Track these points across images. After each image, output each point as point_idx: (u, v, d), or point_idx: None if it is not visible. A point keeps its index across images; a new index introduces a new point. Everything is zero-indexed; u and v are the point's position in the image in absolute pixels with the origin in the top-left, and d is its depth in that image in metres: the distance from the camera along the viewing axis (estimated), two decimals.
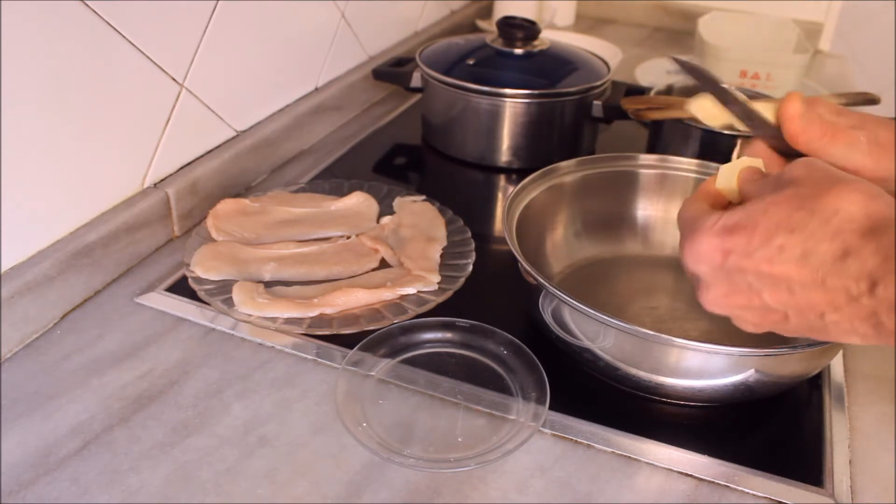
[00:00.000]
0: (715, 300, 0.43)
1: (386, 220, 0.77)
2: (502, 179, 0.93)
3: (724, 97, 0.53)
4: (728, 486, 0.52)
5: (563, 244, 0.73)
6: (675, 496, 0.51)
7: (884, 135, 0.46)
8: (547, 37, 0.98)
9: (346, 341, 0.62)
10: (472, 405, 0.57)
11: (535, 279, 0.57)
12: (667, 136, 0.87)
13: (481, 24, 1.42)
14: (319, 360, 0.61)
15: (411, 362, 0.61)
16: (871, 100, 0.73)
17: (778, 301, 0.40)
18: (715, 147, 0.84)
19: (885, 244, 0.36)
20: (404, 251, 0.71)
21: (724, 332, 0.65)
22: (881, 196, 0.38)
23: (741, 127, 0.52)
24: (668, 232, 0.75)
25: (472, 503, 0.50)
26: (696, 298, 0.44)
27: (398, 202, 0.80)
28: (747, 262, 0.40)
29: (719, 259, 0.41)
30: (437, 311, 0.65)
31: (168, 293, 0.68)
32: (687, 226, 0.44)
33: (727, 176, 0.47)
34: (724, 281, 0.42)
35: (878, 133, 0.46)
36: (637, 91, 0.95)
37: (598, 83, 0.92)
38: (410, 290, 0.66)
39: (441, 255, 0.72)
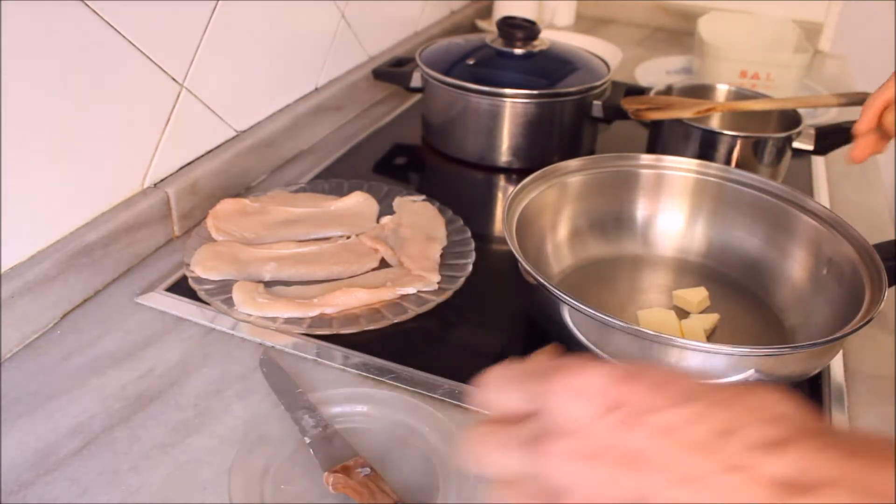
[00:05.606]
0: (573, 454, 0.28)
1: (386, 219, 0.77)
2: (502, 179, 0.93)
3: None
4: None
5: (563, 244, 0.73)
6: None
7: None
8: (547, 37, 0.98)
9: (346, 341, 0.62)
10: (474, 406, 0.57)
11: (536, 279, 0.57)
12: (667, 136, 0.87)
13: (481, 24, 1.42)
14: (319, 360, 0.61)
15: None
16: None
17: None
18: (715, 147, 0.84)
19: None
20: (404, 251, 0.71)
21: (724, 332, 0.65)
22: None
23: None
24: (668, 232, 0.75)
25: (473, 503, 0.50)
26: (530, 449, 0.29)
27: (398, 202, 0.80)
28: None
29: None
30: (438, 311, 0.65)
31: (168, 293, 0.68)
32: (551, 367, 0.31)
33: None
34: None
35: None
36: (637, 91, 0.94)
37: (598, 83, 0.92)
38: (410, 290, 0.66)
39: (441, 255, 0.72)
